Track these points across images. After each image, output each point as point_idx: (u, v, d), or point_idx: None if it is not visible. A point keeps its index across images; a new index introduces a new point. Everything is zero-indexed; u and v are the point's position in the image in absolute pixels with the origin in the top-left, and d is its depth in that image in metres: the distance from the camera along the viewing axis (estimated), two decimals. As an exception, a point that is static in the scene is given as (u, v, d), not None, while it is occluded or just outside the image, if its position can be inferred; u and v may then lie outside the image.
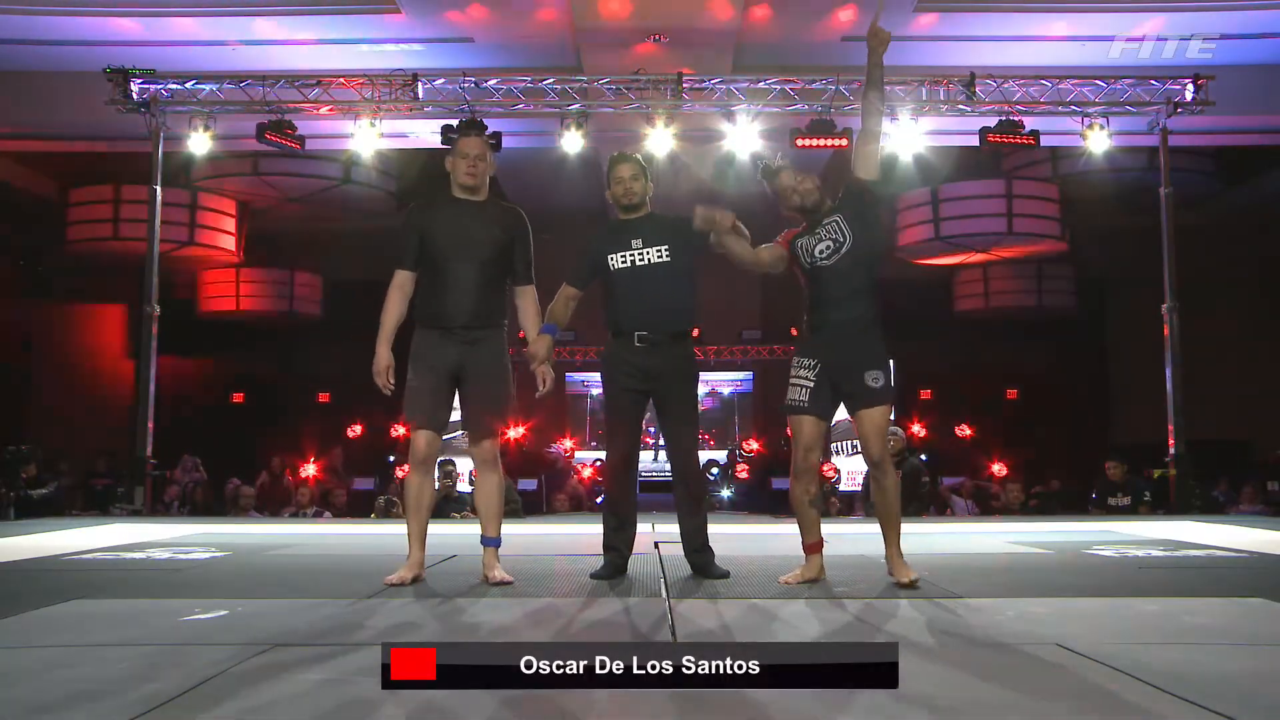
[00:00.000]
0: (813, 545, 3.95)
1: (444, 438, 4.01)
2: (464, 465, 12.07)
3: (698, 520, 4.17)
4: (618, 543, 4.13)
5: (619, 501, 4.18)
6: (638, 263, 4.08)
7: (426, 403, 3.87)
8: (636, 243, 4.10)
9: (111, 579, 4.25)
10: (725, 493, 15.36)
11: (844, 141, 10.31)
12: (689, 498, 4.19)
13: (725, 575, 4.03)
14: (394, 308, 3.93)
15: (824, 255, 3.87)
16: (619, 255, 4.09)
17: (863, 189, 3.94)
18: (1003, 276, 17.46)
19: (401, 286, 3.94)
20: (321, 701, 2.19)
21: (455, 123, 10.29)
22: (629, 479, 4.20)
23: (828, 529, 6.68)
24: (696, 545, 4.14)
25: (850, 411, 3.91)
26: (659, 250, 4.08)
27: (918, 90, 10.50)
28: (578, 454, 16.91)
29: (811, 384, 3.85)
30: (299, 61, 10.98)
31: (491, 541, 3.96)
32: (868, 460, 3.93)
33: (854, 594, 3.68)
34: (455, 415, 4.07)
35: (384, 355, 3.88)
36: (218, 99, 10.51)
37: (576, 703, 2.11)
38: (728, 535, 5.75)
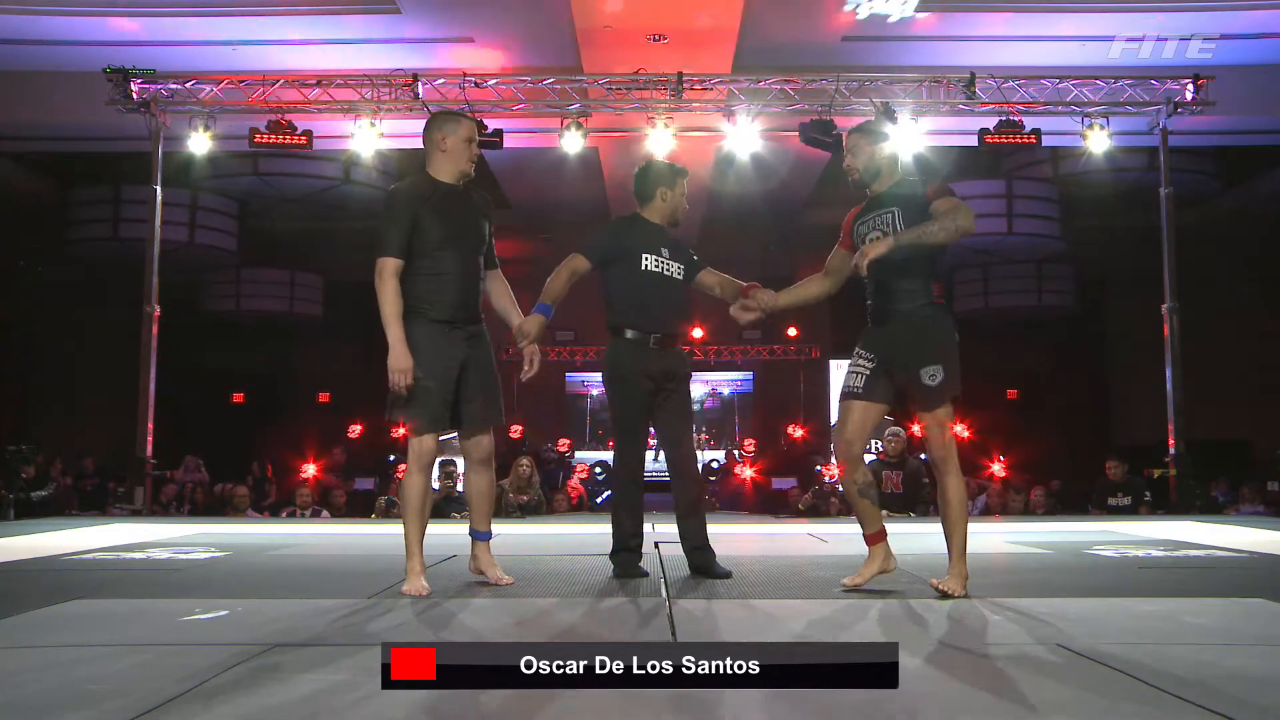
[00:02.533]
0: (873, 536, 3.76)
1: (444, 438, 3.96)
2: (464, 465, 12.08)
3: (699, 517, 4.17)
4: (634, 543, 4.14)
5: (636, 502, 4.18)
6: (665, 271, 4.14)
7: (436, 404, 3.69)
8: (665, 252, 4.17)
9: (111, 579, 4.25)
10: None
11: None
12: (690, 495, 4.20)
13: (728, 575, 4.03)
14: (397, 298, 3.67)
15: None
16: (652, 257, 4.12)
17: (927, 206, 3.63)
18: (1003, 276, 17.47)
19: (397, 275, 3.68)
20: (321, 702, 2.19)
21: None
22: (642, 479, 4.20)
23: (829, 529, 6.69)
24: (699, 543, 4.15)
25: (914, 410, 3.77)
26: (679, 268, 4.19)
27: (918, 90, 10.49)
28: (577, 454, 16.92)
29: (868, 372, 3.71)
30: (299, 61, 10.98)
31: (484, 535, 3.89)
32: (929, 460, 3.79)
33: (855, 594, 3.68)
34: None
35: (407, 353, 3.63)
36: (218, 99, 10.51)
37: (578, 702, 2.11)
38: (728, 535, 5.75)
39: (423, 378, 3.65)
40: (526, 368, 3.93)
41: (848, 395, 3.76)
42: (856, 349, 3.81)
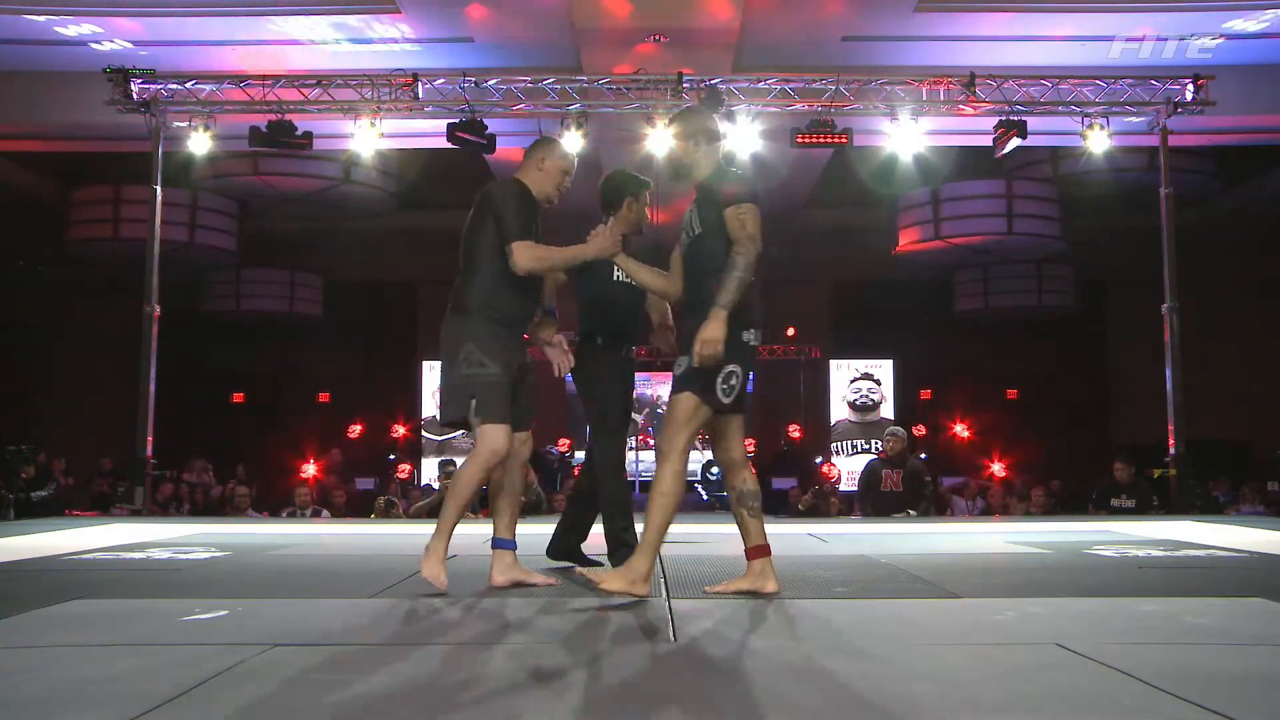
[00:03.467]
0: (752, 550, 3.58)
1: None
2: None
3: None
4: (628, 538, 4.18)
5: (626, 499, 4.27)
6: (632, 281, 4.14)
7: (508, 402, 3.68)
8: None
9: (111, 579, 4.25)
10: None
11: (843, 138, 10.36)
12: None
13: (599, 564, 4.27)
14: (558, 248, 3.81)
15: (684, 243, 3.64)
16: (619, 269, 4.13)
17: (715, 198, 3.51)
18: (1003, 276, 17.48)
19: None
20: (321, 702, 2.19)
21: (452, 122, 10.28)
22: (626, 476, 4.36)
23: (829, 529, 6.68)
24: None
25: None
26: None
27: (918, 90, 10.49)
28: (577, 454, 16.90)
29: None
30: (299, 61, 10.99)
31: (512, 544, 3.83)
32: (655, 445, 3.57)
33: (853, 594, 3.68)
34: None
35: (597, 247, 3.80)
36: (218, 99, 10.51)
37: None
38: (729, 536, 5.74)
39: (499, 374, 3.66)
40: (562, 363, 4.06)
41: None
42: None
